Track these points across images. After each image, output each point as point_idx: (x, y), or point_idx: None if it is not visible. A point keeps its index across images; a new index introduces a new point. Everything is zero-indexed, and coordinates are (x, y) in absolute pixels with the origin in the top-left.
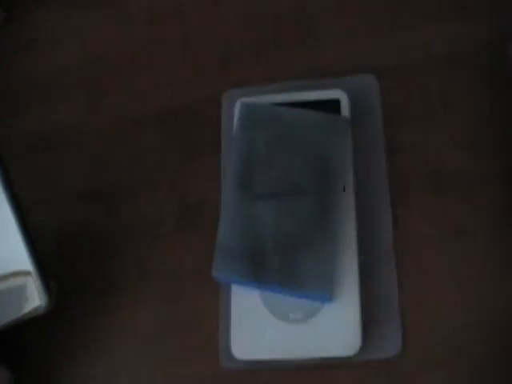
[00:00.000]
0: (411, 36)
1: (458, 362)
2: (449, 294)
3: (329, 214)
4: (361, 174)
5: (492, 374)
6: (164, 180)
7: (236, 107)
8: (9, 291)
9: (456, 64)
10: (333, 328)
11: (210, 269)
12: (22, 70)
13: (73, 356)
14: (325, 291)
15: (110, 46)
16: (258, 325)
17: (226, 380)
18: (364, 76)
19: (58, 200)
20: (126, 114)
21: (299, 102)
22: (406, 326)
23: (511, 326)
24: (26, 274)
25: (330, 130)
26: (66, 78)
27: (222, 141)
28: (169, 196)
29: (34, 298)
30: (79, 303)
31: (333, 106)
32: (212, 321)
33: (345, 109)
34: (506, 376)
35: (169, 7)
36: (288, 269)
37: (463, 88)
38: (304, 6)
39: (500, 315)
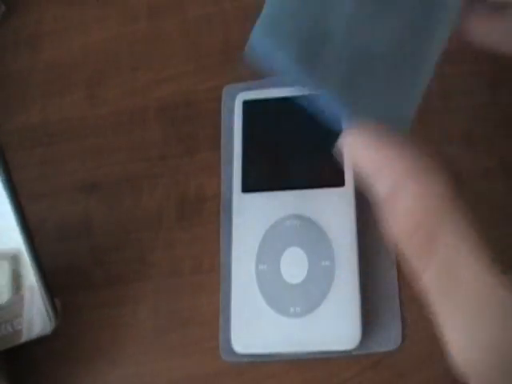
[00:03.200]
0: None
1: None
2: None
3: (423, 41)
4: None
5: None
6: (164, 174)
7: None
8: None
9: (455, 58)
10: (332, 322)
11: (210, 263)
12: (22, 63)
13: (73, 350)
14: (402, 123)
15: (111, 39)
16: (258, 319)
17: (227, 374)
18: None
19: (58, 193)
20: (127, 108)
21: (299, 96)
22: (406, 320)
23: None
24: None
25: None
26: (67, 72)
27: (221, 135)
28: (169, 190)
29: (42, 323)
30: (80, 297)
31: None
32: (212, 315)
33: None
34: None
35: (169, 1)
36: (356, 82)
37: (462, 82)
38: None
39: None
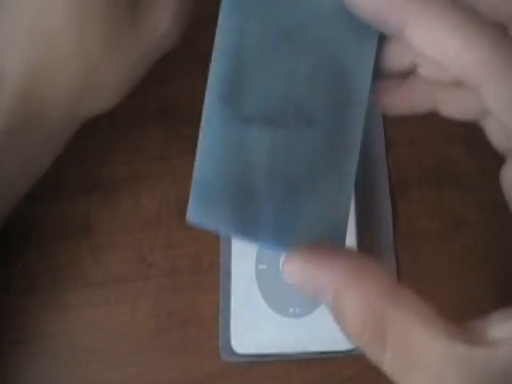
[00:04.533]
0: None
1: None
2: (448, 289)
3: (344, 152)
4: (360, 168)
5: None
6: (164, 174)
7: None
8: None
9: None
10: (332, 322)
11: (210, 263)
12: None
13: (73, 349)
14: (338, 234)
15: None
16: (257, 319)
17: (227, 374)
18: None
19: (58, 193)
20: (127, 108)
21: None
22: None
23: None
24: None
25: (355, 33)
26: None
27: None
28: (169, 190)
29: None
30: (79, 297)
31: None
32: (212, 315)
33: None
34: None
35: None
36: (286, 217)
37: None
38: None
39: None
